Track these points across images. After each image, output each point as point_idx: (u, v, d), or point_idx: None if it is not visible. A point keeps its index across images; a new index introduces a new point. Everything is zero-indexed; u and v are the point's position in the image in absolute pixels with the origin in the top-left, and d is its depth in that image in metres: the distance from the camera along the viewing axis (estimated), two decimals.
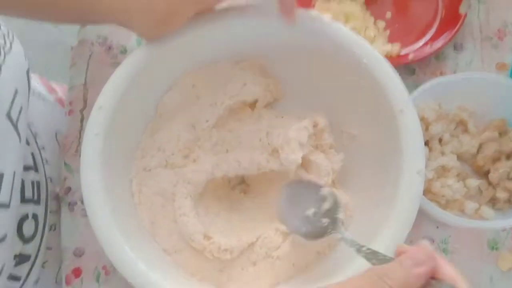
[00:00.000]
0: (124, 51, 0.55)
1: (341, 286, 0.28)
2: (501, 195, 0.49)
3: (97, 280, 0.48)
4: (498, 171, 0.49)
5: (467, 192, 0.50)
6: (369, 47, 0.44)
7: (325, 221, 0.41)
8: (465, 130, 0.52)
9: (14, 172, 0.40)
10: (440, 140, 0.52)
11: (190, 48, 0.47)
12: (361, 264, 0.37)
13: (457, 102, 0.52)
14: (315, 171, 0.46)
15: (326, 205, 0.42)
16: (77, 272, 0.48)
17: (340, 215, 0.41)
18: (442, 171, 0.50)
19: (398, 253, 0.29)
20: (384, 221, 0.39)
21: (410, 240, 0.49)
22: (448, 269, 0.27)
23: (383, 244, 0.38)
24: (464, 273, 0.47)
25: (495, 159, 0.50)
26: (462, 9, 0.55)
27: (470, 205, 0.49)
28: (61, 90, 0.68)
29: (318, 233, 0.41)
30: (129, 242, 0.40)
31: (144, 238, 0.44)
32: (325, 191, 0.43)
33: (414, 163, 0.40)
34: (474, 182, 0.50)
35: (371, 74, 0.43)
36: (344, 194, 0.45)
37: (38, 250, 0.47)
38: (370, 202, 0.43)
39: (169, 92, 0.48)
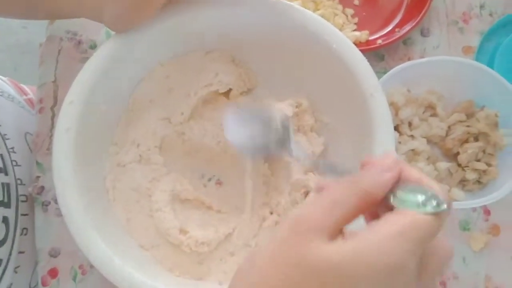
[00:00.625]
0: (93, 46, 0.54)
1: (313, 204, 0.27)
2: (470, 176, 0.50)
3: (74, 279, 0.47)
4: (467, 152, 0.50)
5: (438, 175, 0.51)
6: (339, 33, 0.44)
7: (273, 137, 0.41)
8: (434, 114, 0.53)
9: None
10: (410, 124, 0.53)
11: (161, 39, 0.46)
12: None
13: (426, 86, 0.53)
14: None
15: (275, 125, 0.42)
16: (53, 273, 0.47)
17: (291, 135, 0.41)
18: (413, 155, 0.51)
19: (363, 164, 0.29)
20: None
21: None
22: (413, 172, 0.27)
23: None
24: None
25: (464, 141, 0.51)
26: None
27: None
28: (32, 91, 0.67)
29: (266, 151, 0.41)
30: (105, 238, 0.39)
31: (120, 235, 0.43)
32: (274, 112, 0.43)
33: (385, 146, 0.41)
34: (444, 165, 0.51)
35: (341, 60, 0.43)
36: (315, 178, 0.45)
37: (10, 254, 0.46)
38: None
39: (142, 83, 0.48)
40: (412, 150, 0.51)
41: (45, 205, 0.49)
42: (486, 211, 0.51)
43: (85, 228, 0.39)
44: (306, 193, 0.44)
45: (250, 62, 0.51)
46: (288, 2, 0.47)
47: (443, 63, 0.52)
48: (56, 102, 0.52)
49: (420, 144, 0.51)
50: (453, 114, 0.52)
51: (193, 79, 0.49)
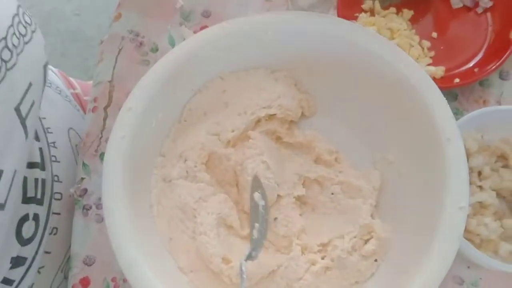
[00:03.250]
0: (155, 50, 0.53)
1: None
2: None
3: None
4: None
5: (503, 233, 0.47)
6: (419, 67, 0.41)
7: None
8: (506, 165, 0.49)
9: (15, 171, 0.37)
10: (479, 174, 0.49)
11: (225, 53, 0.45)
12: None
13: (500, 134, 0.49)
14: (355, 192, 0.43)
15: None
16: (85, 282, 0.46)
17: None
18: (479, 207, 0.47)
19: None
20: (422, 256, 0.37)
21: None
22: None
23: (420, 281, 0.36)
24: None
25: None
26: None
27: (505, 247, 0.46)
28: (79, 86, 0.66)
29: None
30: (145, 255, 0.38)
31: (161, 253, 0.41)
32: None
33: (457, 197, 0.38)
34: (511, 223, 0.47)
35: (419, 97, 0.41)
36: (381, 225, 0.42)
37: (36, 253, 0.44)
38: (407, 236, 0.40)
39: (198, 95, 0.46)
40: (480, 202, 0.47)
41: (86, 209, 0.47)
42: None
43: (127, 242, 0.37)
44: (367, 240, 0.41)
45: (311, 87, 0.48)
46: (365, 28, 0.44)
47: None
48: (110, 102, 0.51)
49: (489, 196, 0.47)
50: None
51: (252, 97, 0.47)
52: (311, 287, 0.40)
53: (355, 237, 0.41)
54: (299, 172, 0.45)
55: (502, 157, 0.49)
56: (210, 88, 0.46)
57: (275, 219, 0.43)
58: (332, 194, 0.44)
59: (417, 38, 0.53)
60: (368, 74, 0.44)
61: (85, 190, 0.48)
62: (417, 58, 0.51)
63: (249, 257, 0.39)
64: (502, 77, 0.53)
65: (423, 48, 0.52)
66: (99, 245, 0.46)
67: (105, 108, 0.50)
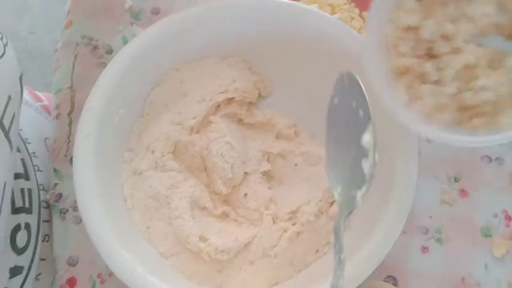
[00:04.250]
0: (110, 51, 0.54)
1: None
2: None
3: None
4: None
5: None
6: (361, 37, 0.44)
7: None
8: None
9: (5, 183, 0.38)
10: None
11: (177, 44, 0.47)
12: (359, 261, 0.38)
13: None
14: (316, 160, 0.47)
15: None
16: (72, 282, 0.47)
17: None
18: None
19: None
20: (382, 205, 0.41)
21: (404, 231, 0.49)
22: None
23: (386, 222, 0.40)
24: (459, 261, 0.48)
25: None
26: None
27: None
28: (46, 98, 0.66)
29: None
30: (125, 246, 0.40)
31: (140, 243, 0.43)
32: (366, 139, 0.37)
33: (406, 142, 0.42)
34: None
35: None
36: None
37: (32, 261, 0.45)
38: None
39: (156, 88, 0.48)
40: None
41: (63, 212, 0.49)
42: (508, 217, 0.50)
43: (106, 236, 0.39)
44: (332, 203, 0.44)
45: (265, 70, 0.51)
46: (307, 6, 0.47)
47: None
48: (73, 108, 0.52)
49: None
50: None
51: (208, 84, 0.49)
52: (286, 252, 0.43)
53: (320, 200, 0.44)
54: (263, 149, 0.47)
55: None
56: (167, 80, 0.48)
57: (245, 195, 0.45)
58: (296, 165, 0.47)
59: (357, 10, 0.55)
60: (316, 49, 0.46)
61: (60, 195, 0.49)
62: (359, 29, 0.54)
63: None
64: None
65: (363, 19, 0.55)
66: (81, 245, 0.47)
67: (69, 114, 0.51)
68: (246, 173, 0.46)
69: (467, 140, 0.38)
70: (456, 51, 0.39)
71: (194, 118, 0.47)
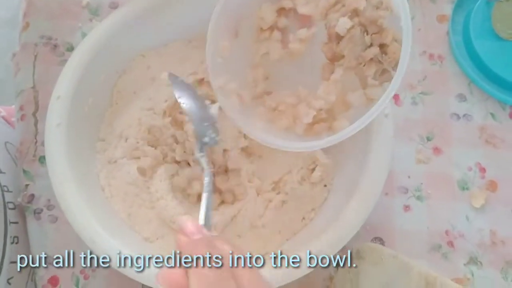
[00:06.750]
0: (70, 48, 0.53)
1: None
2: None
3: (77, 285, 0.45)
4: None
5: None
6: None
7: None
8: None
9: None
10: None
11: (140, 31, 0.46)
12: (343, 223, 0.38)
13: None
14: None
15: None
16: (54, 281, 0.45)
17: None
18: None
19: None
20: (361, 170, 0.41)
21: (386, 193, 0.50)
22: None
23: (365, 186, 0.39)
24: (441, 216, 0.49)
25: None
26: None
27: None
28: (4, 110, 0.64)
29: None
30: (110, 232, 0.38)
31: (124, 230, 0.42)
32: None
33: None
34: None
35: None
36: (322, 153, 0.45)
37: (1, 264, 0.43)
38: (348, 161, 0.44)
39: (123, 76, 0.47)
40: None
41: (37, 213, 0.47)
42: (482, 169, 0.52)
43: (89, 222, 0.37)
44: (313, 170, 0.44)
45: None
46: None
47: None
48: (38, 107, 0.50)
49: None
50: None
51: (176, 67, 0.48)
52: (273, 222, 0.42)
53: (302, 168, 0.44)
54: None
55: None
56: (133, 67, 0.48)
57: (226, 171, 0.45)
58: None
59: None
60: None
61: (32, 196, 0.47)
62: None
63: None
64: None
65: None
66: (59, 244, 0.46)
67: (34, 114, 0.50)
68: (225, 150, 0.46)
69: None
70: None
71: (166, 101, 0.46)
